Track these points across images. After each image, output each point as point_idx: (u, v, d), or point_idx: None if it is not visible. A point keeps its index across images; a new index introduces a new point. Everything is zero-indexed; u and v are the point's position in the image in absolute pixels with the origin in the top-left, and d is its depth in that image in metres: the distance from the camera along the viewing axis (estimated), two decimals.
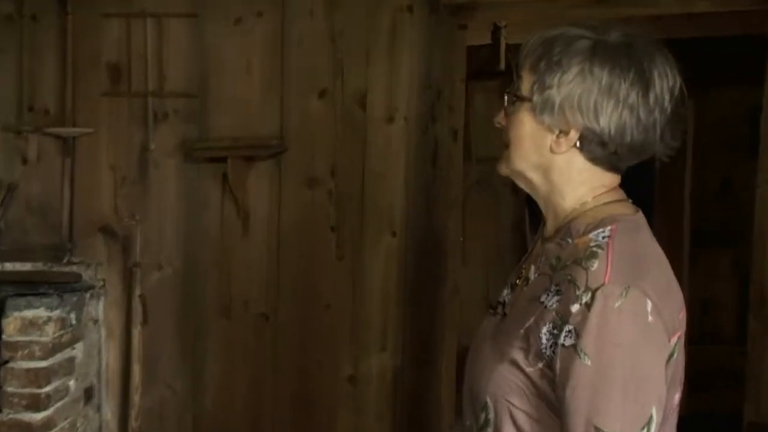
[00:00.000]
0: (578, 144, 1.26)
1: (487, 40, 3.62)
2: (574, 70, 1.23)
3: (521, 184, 1.35)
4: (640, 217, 1.31)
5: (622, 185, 1.33)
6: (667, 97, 1.25)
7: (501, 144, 1.35)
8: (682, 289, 1.30)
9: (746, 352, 2.59)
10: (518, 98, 1.29)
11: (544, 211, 1.35)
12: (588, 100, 1.23)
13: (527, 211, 4.65)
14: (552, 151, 1.27)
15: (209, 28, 2.90)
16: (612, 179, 1.31)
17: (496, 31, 3.53)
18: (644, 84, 1.23)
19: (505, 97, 1.31)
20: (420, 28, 2.75)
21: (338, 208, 2.85)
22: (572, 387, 1.16)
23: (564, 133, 1.26)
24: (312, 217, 2.87)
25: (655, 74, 1.24)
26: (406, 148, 2.80)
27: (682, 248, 4.49)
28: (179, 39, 2.91)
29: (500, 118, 1.34)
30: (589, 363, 1.15)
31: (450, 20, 2.73)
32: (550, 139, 1.27)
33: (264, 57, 2.87)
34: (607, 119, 1.23)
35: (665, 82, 1.25)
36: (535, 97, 1.26)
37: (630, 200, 1.33)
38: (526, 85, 1.28)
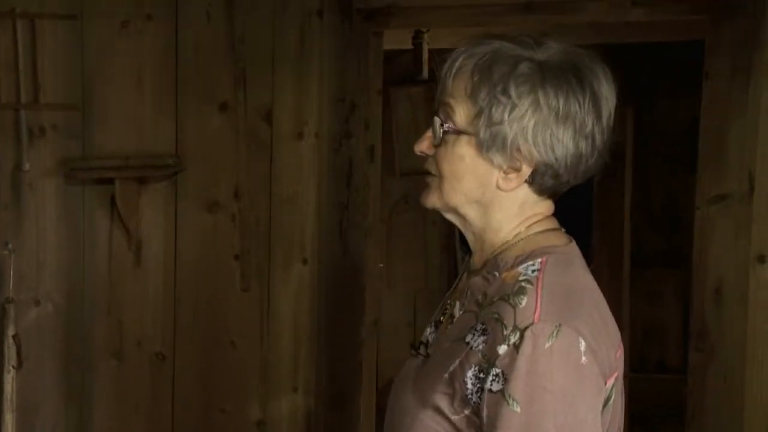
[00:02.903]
0: (529, 178, 1.26)
1: (408, 45, 3.62)
2: (526, 100, 1.21)
3: (451, 218, 1.33)
4: (573, 247, 1.31)
5: (557, 204, 1.34)
6: (612, 117, 1.27)
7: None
8: (623, 315, 1.30)
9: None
10: (455, 131, 1.25)
11: (471, 243, 1.34)
12: (544, 133, 1.22)
13: (457, 230, 4.65)
14: (499, 187, 1.26)
15: (91, 31, 2.83)
16: (548, 207, 1.31)
17: (417, 35, 3.53)
18: (598, 108, 1.24)
19: (436, 126, 1.27)
20: (331, 34, 2.73)
21: (243, 234, 2.81)
22: None
23: (515, 169, 1.25)
24: (213, 244, 2.84)
25: (604, 96, 1.25)
26: (318, 167, 2.78)
27: (621, 270, 4.55)
28: (56, 44, 2.83)
29: (424, 148, 1.30)
30: (518, 410, 1.15)
31: (364, 26, 2.71)
32: (496, 175, 1.26)
33: (156, 65, 2.82)
34: (564, 151, 1.23)
35: (612, 101, 1.26)
36: (482, 133, 1.23)
37: (563, 229, 1.33)
38: (462, 114, 1.25)
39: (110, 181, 2.81)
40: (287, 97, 2.77)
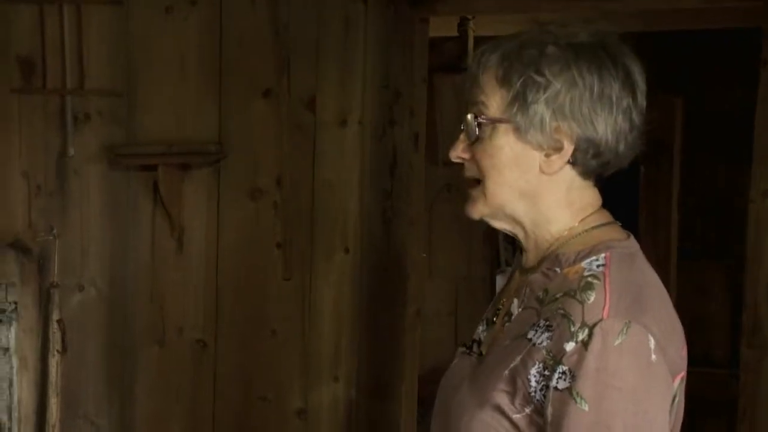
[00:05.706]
0: (571, 158, 1.24)
1: (454, 32, 3.56)
2: (560, 78, 1.21)
3: (500, 224, 1.31)
4: (633, 242, 1.28)
5: (604, 192, 1.31)
6: (644, 96, 1.26)
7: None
8: None
9: (739, 377, 2.56)
10: (491, 121, 1.24)
11: (523, 242, 1.31)
12: (581, 107, 1.21)
13: None
14: (542, 171, 1.24)
15: (136, 17, 2.83)
16: (597, 197, 1.29)
17: (462, 22, 3.48)
18: (631, 84, 1.23)
19: (470, 123, 1.25)
20: (376, 21, 2.71)
21: (285, 222, 2.80)
22: None
23: (556, 149, 1.23)
24: (255, 232, 2.83)
25: (636, 73, 1.24)
26: (361, 155, 2.75)
27: (669, 262, 4.48)
28: (102, 30, 2.84)
29: (460, 152, 1.28)
30: (586, 409, 1.12)
31: (410, 13, 2.67)
32: (538, 159, 1.24)
33: (199, 51, 2.82)
34: (603, 125, 1.22)
35: (643, 83, 1.25)
36: (519, 117, 1.22)
37: (619, 223, 1.30)
38: (495, 104, 1.24)
39: (153, 167, 2.81)
40: (331, 84, 2.75)
